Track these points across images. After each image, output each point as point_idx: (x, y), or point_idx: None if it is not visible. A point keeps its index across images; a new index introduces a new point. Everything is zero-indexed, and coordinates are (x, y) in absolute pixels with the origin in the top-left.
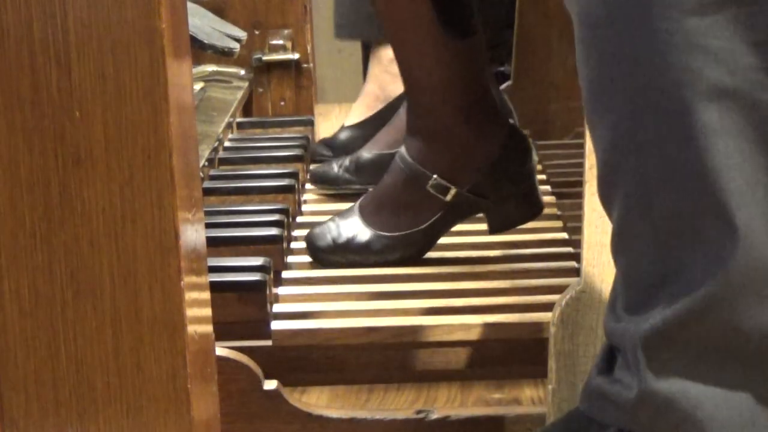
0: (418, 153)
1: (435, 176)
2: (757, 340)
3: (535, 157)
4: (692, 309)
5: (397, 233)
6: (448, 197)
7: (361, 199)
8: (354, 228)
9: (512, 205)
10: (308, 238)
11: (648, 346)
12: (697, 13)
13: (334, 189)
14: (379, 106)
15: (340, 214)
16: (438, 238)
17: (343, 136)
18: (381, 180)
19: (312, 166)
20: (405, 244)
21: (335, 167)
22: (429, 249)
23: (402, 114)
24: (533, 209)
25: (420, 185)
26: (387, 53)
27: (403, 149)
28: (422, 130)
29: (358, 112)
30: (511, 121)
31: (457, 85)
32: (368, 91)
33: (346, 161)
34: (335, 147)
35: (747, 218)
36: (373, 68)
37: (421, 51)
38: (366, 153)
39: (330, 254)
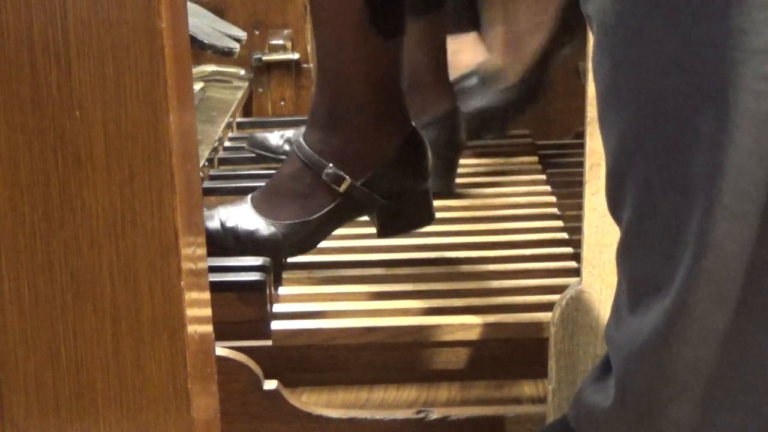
0: (317, 143)
1: (331, 165)
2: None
3: (430, 162)
4: (666, 320)
5: (285, 221)
6: (342, 188)
7: (254, 192)
8: (243, 214)
9: (404, 209)
10: None
11: (632, 359)
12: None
13: (271, 155)
14: None
15: (230, 202)
16: (327, 232)
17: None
18: (276, 171)
19: (254, 133)
20: (293, 234)
21: (277, 136)
22: (316, 243)
23: None
24: (425, 216)
25: (315, 174)
26: None
27: (300, 139)
28: (324, 120)
29: None
30: (413, 124)
31: (370, 80)
32: None
33: (289, 133)
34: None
35: (726, 234)
36: None
37: (343, 41)
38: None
39: (217, 237)
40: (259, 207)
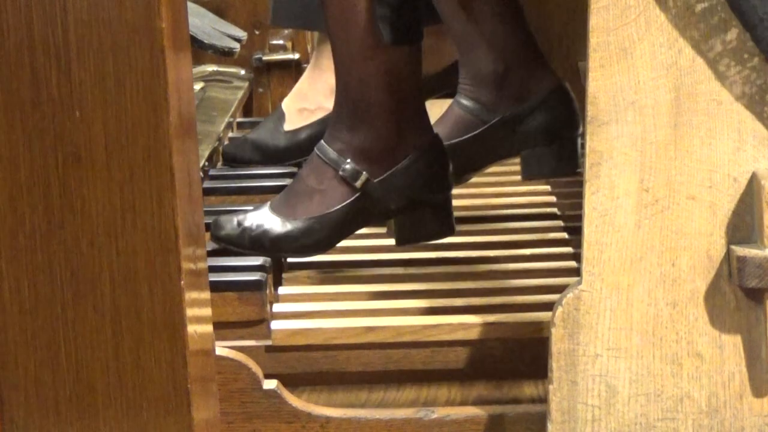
0: (336, 143)
1: (348, 160)
2: None
3: (451, 174)
4: None
5: (300, 218)
6: (359, 183)
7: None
8: (260, 215)
9: (422, 217)
10: (214, 221)
11: None
12: None
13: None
14: (316, 111)
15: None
16: (344, 233)
17: (282, 142)
18: (296, 174)
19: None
20: (308, 231)
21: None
22: (333, 243)
23: None
24: (444, 228)
25: (333, 171)
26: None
27: (322, 141)
28: (344, 121)
29: (299, 117)
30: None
31: (390, 84)
32: (309, 89)
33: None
34: (270, 153)
35: None
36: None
37: (360, 48)
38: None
39: (234, 237)
40: (277, 208)
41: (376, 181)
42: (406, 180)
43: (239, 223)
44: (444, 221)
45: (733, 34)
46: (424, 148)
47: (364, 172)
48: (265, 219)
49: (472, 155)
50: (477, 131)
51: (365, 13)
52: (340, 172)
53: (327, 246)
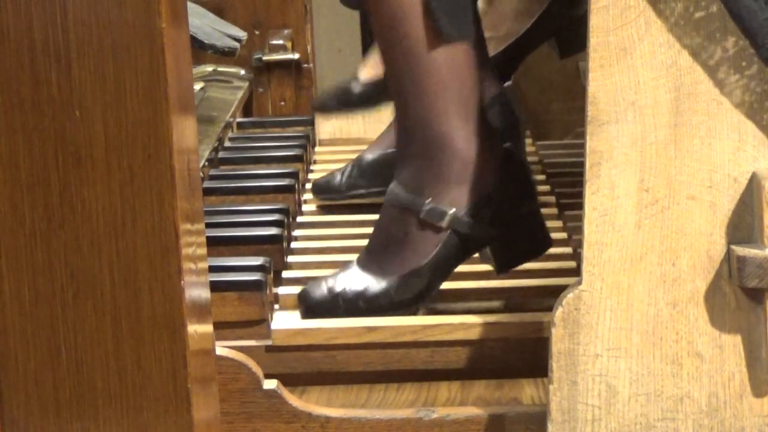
0: (409, 182)
1: (428, 200)
2: None
3: (535, 184)
4: None
5: (395, 275)
6: (445, 222)
7: (359, 253)
8: (350, 276)
9: (518, 237)
10: (302, 292)
11: None
12: None
13: (340, 198)
14: None
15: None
16: (442, 279)
17: (358, 89)
18: (375, 225)
19: (314, 178)
20: (405, 286)
21: (338, 176)
22: (433, 291)
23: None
24: (543, 243)
25: (414, 216)
26: None
27: (392, 184)
28: (412, 151)
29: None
30: (506, 145)
31: (456, 92)
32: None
33: (348, 167)
34: (350, 101)
35: None
36: None
37: (415, 51)
38: (368, 155)
39: (326, 305)
40: (366, 265)
41: (463, 215)
42: (494, 205)
43: (330, 290)
44: (541, 235)
45: (730, 43)
46: (503, 166)
47: (448, 210)
48: (356, 280)
49: None
50: None
51: (418, 7)
52: (422, 216)
53: (427, 295)
